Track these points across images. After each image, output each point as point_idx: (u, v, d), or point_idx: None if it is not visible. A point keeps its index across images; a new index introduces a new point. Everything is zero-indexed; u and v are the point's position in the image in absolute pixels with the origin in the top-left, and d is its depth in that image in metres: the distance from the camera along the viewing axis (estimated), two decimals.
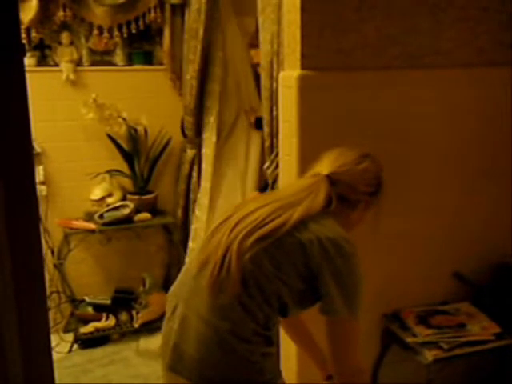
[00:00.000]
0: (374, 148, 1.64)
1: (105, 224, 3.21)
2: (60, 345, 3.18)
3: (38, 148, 3.17)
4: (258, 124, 3.03)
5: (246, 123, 3.42)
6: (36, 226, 0.78)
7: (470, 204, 2.32)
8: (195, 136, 3.39)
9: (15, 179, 0.73)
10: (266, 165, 2.59)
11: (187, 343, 1.42)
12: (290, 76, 2.01)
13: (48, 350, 0.80)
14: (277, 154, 2.37)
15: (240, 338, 1.38)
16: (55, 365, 0.85)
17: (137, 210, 3.31)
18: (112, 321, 3.28)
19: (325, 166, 1.55)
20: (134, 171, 3.42)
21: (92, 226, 3.20)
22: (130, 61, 3.40)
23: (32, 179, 0.77)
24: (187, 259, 3.29)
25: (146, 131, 3.43)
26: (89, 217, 3.29)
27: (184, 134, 3.45)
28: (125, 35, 3.28)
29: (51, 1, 3.09)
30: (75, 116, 3.26)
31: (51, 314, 3.24)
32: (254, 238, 1.40)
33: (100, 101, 3.23)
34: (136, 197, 3.38)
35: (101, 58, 3.35)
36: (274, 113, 2.41)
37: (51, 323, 3.16)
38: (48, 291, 3.19)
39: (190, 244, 3.36)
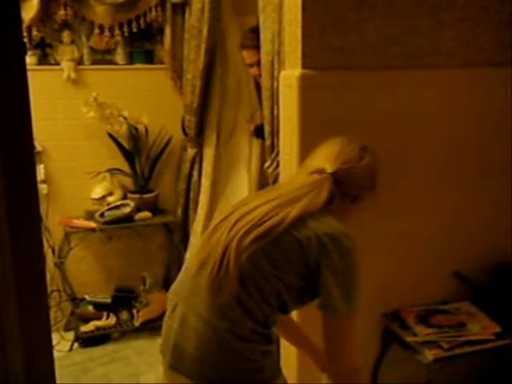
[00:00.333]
0: (374, 147, 1.64)
1: (105, 223, 3.21)
2: (60, 343, 3.18)
3: (38, 146, 3.17)
4: (258, 133, 3.03)
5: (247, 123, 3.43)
6: (37, 225, 0.78)
7: (470, 204, 2.32)
8: (196, 135, 3.39)
9: (16, 178, 0.73)
10: (267, 164, 2.59)
11: (187, 342, 1.42)
12: (290, 75, 2.01)
13: (49, 348, 0.81)
14: (277, 153, 2.37)
15: (239, 337, 1.38)
16: (55, 363, 0.85)
17: (137, 209, 3.32)
18: (112, 319, 3.29)
19: (327, 161, 1.53)
20: (134, 170, 3.42)
21: (93, 224, 3.20)
22: (130, 60, 3.40)
23: (33, 178, 0.77)
24: (187, 256, 3.30)
25: (146, 130, 3.43)
26: (89, 215, 3.29)
27: (185, 133, 3.45)
28: (126, 34, 3.28)
29: None
30: (76, 115, 3.26)
31: (52, 313, 3.24)
32: (252, 237, 1.39)
33: (101, 99, 3.24)
34: (137, 195, 3.38)
35: (102, 57, 3.35)
36: (275, 112, 2.41)
37: (52, 322, 3.16)
38: (49, 290, 3.19)
39: (192, 239, 3.36)
